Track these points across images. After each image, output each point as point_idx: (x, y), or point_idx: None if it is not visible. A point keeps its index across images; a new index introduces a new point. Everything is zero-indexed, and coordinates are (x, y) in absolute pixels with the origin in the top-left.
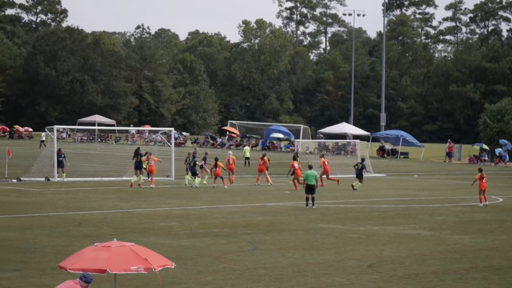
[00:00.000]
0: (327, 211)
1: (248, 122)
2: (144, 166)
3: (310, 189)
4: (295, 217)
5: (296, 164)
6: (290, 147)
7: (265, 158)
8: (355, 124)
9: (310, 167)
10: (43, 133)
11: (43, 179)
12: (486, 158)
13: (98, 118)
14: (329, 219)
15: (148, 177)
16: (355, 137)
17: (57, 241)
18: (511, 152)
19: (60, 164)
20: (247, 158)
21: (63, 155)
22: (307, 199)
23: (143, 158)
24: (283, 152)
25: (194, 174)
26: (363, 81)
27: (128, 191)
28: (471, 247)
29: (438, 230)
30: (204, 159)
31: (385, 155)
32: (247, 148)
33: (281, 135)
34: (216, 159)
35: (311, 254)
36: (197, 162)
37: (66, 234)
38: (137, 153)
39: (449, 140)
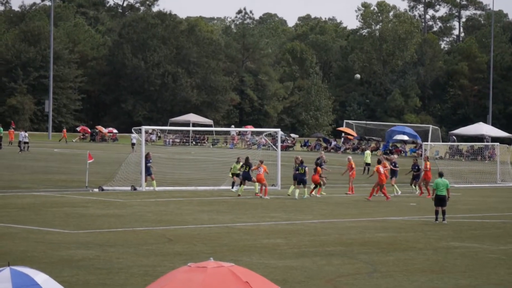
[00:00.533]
0: (460, 227)
1: (367, 122)
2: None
3: (440, 201)
4: (422, 234)
5: (381, 169)
6: (417, 151)
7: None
8: (493, 125)
9: (441, 175)
10: (134, 135)
11: (129, 188)
12: None
13: (193, 117)
14: (462, 236)
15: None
16: (494, 139)
17: (144, 261)
18: None
19: (149, 171)
20: (368, 164)
21: (151, 161)
22: (436, 213)
23: (254, 166)
24: (408, 157)
25: (303, 183)
26: (504, 74)
27: (226, 203)
28: None
29: None
30: (319, 164)
31: None
32: (368, 152)
33: (406, 137)
34: (318, 164)
35: (441, 277)
36: (306, 169)
37: (155, 252)
38: (247, 163)
39: None
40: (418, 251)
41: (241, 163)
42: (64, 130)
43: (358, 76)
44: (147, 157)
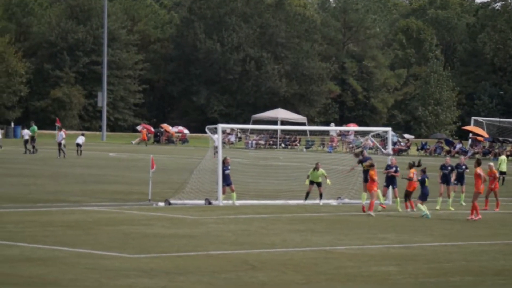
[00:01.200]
0: None
1: (502, 120)
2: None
3: None
4: None
5: (480, 172)
6: None
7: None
8: None
9: None
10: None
11: (203, 202)
12: None
13: (281, 113)
14: None
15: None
16: None
17: None
18: None
19: (228, 180)
20: (503, 173)
21: (229, 167)
22: None
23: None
24: None
25: (424, 197)
26: None
27: (324, 221)
28: None
29: None
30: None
31: None
32: (503, 158)
33: None
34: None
35: None
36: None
37: (234, 281)
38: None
39: None
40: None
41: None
42: (144, 130)
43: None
44: (225, 163)
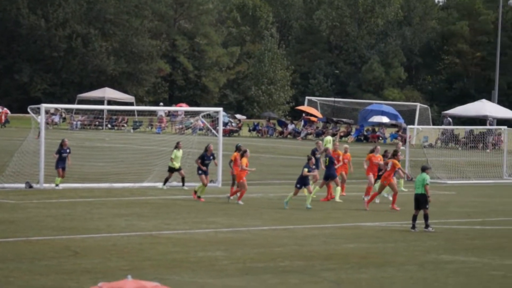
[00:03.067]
0: (455, 236)
1: (337, 99)
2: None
3: (416, 202)
4: (404, 245)
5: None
6: (399, 137)
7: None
8: (501, 103)
9: (424, 169)
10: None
11: (23, 185)
12: None
13: (108, 92)
14: (457, 247)
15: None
16: (501, 122)
17: (42, 280)
18: None
19: (62, 163)
20: None
21: (68, 150)
22: (414, 218)
23: (234, 155)
24: (389, 144)
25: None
26: None
27: (151, 205)
28: None
29: None
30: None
31: None
32: (328, 138)
33: (385, 119)
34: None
35: None
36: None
37: (55, 269)
38: (209, 154)
39: None
40: (398, 267)
41: (180, 150)
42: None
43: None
44: (63, 145)
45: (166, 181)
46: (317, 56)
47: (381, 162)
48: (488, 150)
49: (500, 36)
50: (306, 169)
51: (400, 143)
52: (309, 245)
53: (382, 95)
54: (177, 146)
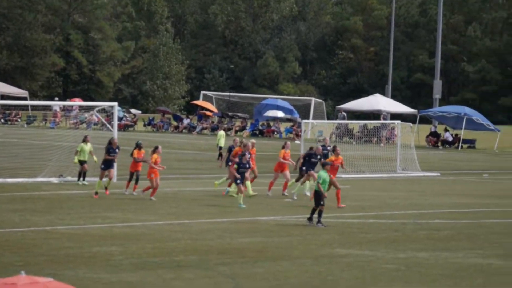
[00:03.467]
0: (349, 229)
1: (232, 94)
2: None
3: (317, 198)
4: (300, 239)
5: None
6: (294, 132)
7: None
8: (394, 97)
9: (324, 165)
10: None
11: None
12: None
13: (1, 87)
14: (351, 241)
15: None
16: (394, 116)
17: None
18: None
19: None
20: (221, 148)
21: None
22: (312, 211)
23: (134, 152)
24: (284, 138)
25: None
26: (409, 32)
27: (44, 200)
28: None
29: None
30: (230, 149)
31: (440, 144)
32: (222, 133)
33: (281, 114)
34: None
35: None
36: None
37: None
38: (115, 147)
39: None
40: (293, 261)
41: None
42: None
43: None
44: None
45: (80, 175)
46: (212, 50)
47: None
48: (382, 144)
49: (393, 31)
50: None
51: (327, 138)
52: (204, 239)
53: (277, 90)
54: (84, 140)
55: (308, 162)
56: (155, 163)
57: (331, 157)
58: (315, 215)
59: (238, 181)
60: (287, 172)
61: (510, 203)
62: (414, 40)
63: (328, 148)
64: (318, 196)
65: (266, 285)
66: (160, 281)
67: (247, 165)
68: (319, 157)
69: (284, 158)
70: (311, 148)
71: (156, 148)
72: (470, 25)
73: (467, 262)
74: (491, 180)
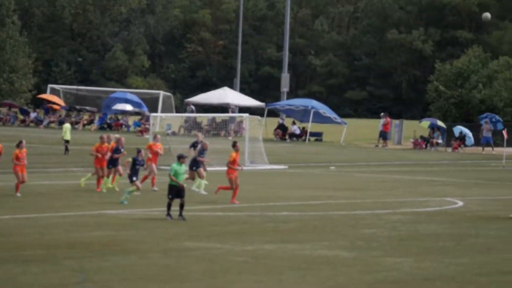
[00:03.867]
0: (198, 222)
1: (79, 87)
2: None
3: (176, 191)
4: (148, 232)
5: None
6: (142, 125)
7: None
8: (242, 90)
9: (179, 158)
10: None
11: None
12: (440, 141)
13: None
14: (200, 234)
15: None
16: (243, 109)
17: None
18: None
19: None
20: (67, 142)
21: None
22: (169, 206)
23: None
24: (132, 132)
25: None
26: (257, 25)
27: None
28: (414, 276)
29: (365, 250)
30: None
31: (287, 137)
32: (67, 126)
33: (129, 107)
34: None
35: (173, 287)
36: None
37: None
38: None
39: (383, 113)
40: (142, 254)
41: None
42: None
43: (488, 15)
44: None
45: None
46: (60, 43)
47: (161, 151)
48: (230, 138)
49: (241, 24)
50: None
51: (199, 134)
52: (52, 234)
53: (125, 83)
54: None
55: (195, 160)
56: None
57: (232, 153)
58: (176, 208)
59: (134, 178)
60: (154, 166)
61: (356, 195)
62: (262, 34)
63: (201, 143)
64: (173, 188)
65: (115, 278)
66: (7, 276)
67: (142, 162)
68: (205, 152)
69: (152, 150)
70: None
71: (20, 142)
72: (317, 19)
73: (314, 254)
74: (337, 173)
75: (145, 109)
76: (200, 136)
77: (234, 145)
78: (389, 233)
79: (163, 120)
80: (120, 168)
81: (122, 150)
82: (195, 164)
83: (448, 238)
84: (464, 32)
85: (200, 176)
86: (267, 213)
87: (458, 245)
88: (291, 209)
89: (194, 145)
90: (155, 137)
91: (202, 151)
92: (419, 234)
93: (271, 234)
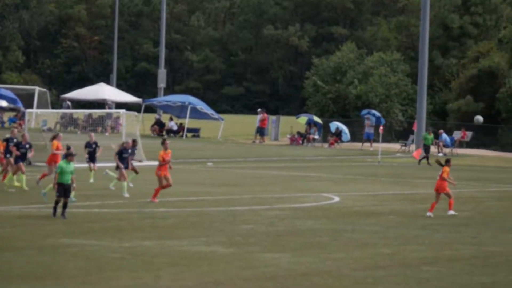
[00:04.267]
0: (74, 219)
1: None
2: None
3: (64, 190)
4: (24, 229)
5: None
6: (18, 121)
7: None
8: (119, 86)
9: (68, 156)
10: None
11: None
12: (316, 137)
13: None
14: (76, 231)
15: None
16: (119, 105)
17: None
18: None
19: None
20: None
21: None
22: (56, 203)
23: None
24: (8, 128)
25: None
26: (133, 20)
27: None
28: (292, 271)
29: (242, 246)
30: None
31: (165, 133)
32: None
33: (4, 103)
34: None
35: (48, 285)
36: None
37: None
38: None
39: (260, 109)
40: (17, 252)
41: None
42: None
43: (480, 118)
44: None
45: None
46: None
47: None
48: (107, 134)
49: (117, 20)
50: None
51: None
52: None
53: (1, 79)
54: None
55: (121, 157)
56: None
57: (161, 152)
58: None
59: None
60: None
61: (234, 191)
62: (139, 29)
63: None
64: (60, 187)
65: None
66: None
67: (130, 151)
68: (129, 151)
69: (57, 149)
70: (123, 144)
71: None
72: (193, 15)
73: (192, 250)
74: (215, 168)
75: (20, 105)
76: (93, 137)
77: (163, 142)
78: (267, 229)
79: (39, 116)
80: (22, 165)
81: (26, 146)
82: (124, 163)
83: (325, 233)
84: (339, 28)
85: (123, 178)
86: (144, 209)
87: (335, 240)
88: (169, 206)
89: (87, 146)
90: (57, 135)
91: (125, 151)
92: (297, 229)
93: (148, 230)
